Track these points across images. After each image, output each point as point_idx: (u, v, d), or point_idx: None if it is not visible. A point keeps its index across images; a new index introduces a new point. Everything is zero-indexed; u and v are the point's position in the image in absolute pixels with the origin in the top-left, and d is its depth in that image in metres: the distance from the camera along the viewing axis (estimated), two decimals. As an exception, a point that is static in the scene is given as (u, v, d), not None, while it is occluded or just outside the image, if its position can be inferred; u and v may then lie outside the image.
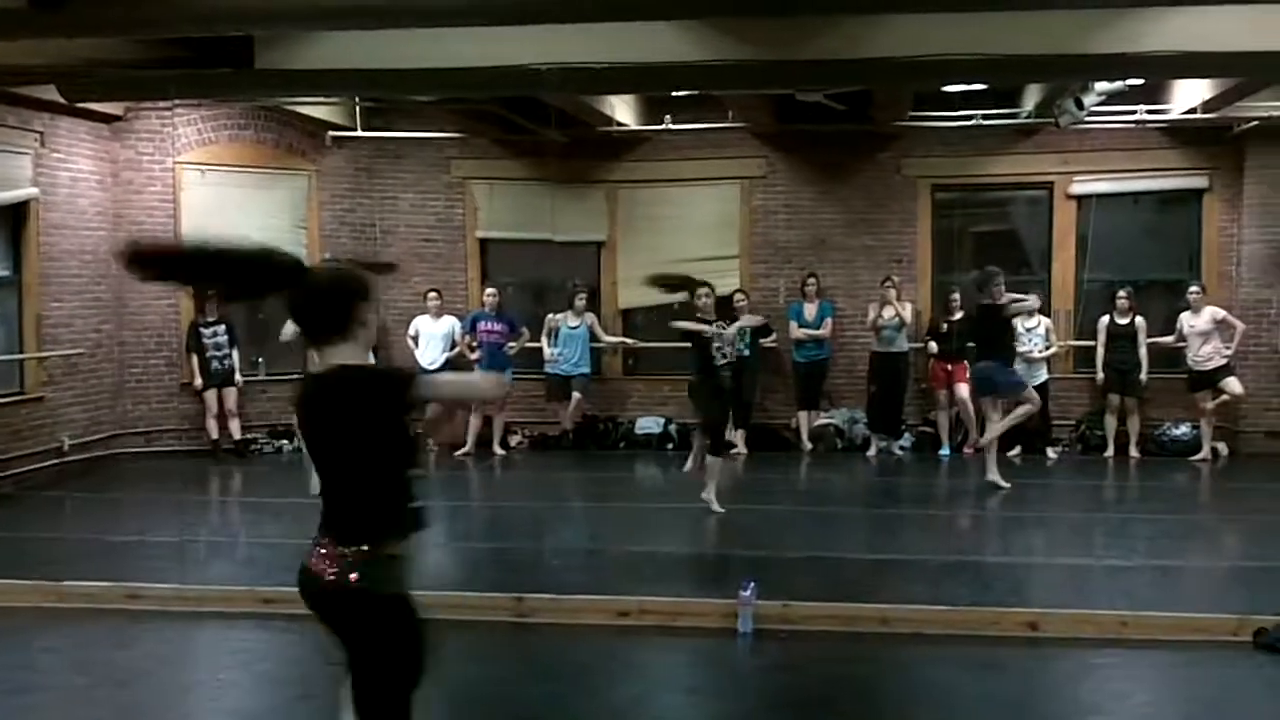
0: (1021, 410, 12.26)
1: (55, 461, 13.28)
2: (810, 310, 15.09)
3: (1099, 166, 15.11)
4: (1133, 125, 14.51)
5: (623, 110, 14.38)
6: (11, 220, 12.91)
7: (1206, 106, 12.96)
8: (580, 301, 15.19)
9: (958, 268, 15.58)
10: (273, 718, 6.42)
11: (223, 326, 14.35)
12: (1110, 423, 14.63)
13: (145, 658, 7.20)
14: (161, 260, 3.87)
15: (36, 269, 13.05)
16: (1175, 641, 7.19)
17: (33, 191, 12.89)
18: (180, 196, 14.53)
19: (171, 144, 14.38)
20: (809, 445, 15.14)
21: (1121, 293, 14.49)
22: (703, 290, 11.16)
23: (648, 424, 15.59)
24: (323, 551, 3.87)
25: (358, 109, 15.11)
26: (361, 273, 4.07)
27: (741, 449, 14.46)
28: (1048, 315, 14.57)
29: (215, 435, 14.44)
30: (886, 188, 15.57)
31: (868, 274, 15.39)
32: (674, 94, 13.85)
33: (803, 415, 15.26)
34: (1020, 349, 13.25)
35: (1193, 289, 14.28)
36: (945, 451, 14.82)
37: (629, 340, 15.91)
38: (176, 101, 13.15)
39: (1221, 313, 14.10)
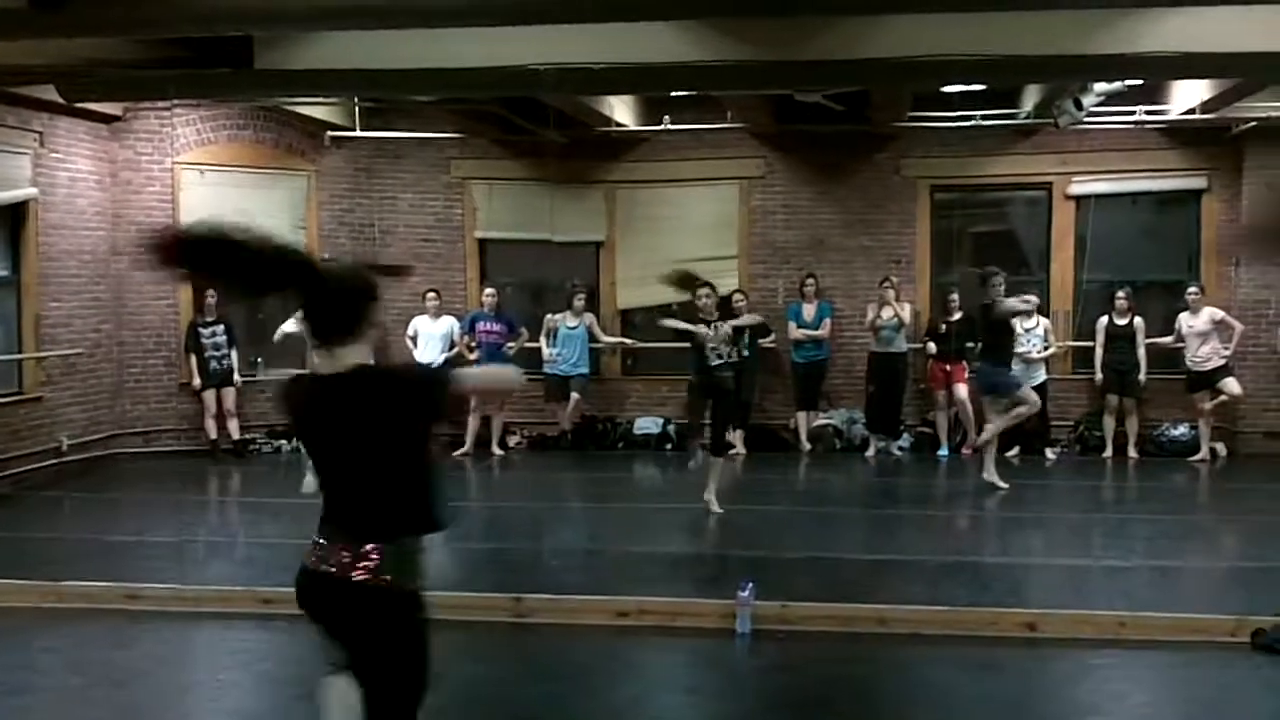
0: (1016, 411, 12.27)
1: (54, 461, 13.28)
2: (809, 311, 15.09)
3: (1098, 167, 15.11)
4: (1131, 126, 14.52)
5: (621, 111, 14.39)
6: (10, 220, 12.91)
7: (1205, 107, 12.97)
8: (579, 302, 15.20)
9: (956, 268, 15.59)
10: (272, 718, 6.42)
11: (221, 326, 14.36)
12: (1109, 423, 14.63)
13: (144, 658, 7.20)
14: (184, 248, 3.86)
15: (35, 269, 13.05)
16: (1173, 642, 7.19)
17: (31, 191, 12.89)
18: (179, 197, 14.53)
19: (170, 144, 14.39)
20: (808, 446, 15.15)
21: (1120, 293, 14.50)
22: (703, 290, 11.15)
23: (646, 424, 15.59)
24: (342, 551, 3.81)
25: (357, 109, 15.11)
26: (371, 272, 4.05)
27: (740, 449, 14.46)
28: (1046, 316, 14.57)
29: (214, 435, 14.44)
30: (885, 188, 15.58)
31: (866, 274, 15.40)
32: (673, 94, 13.87)
33: (801, 416, 15.26)
34: (1019, 349, 13.24)
35: (1191, 290, 14.29)
36: (944, 452, 14.82)
37: (627, 341, 15.92)
38: (175, 101, 13.15)
39: (1220, 313, 14.11)
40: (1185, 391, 14.33)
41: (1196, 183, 15.04)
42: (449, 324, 14.91)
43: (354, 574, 3.79)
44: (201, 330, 14.28)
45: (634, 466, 14.81)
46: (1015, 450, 14.14)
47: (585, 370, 15.24)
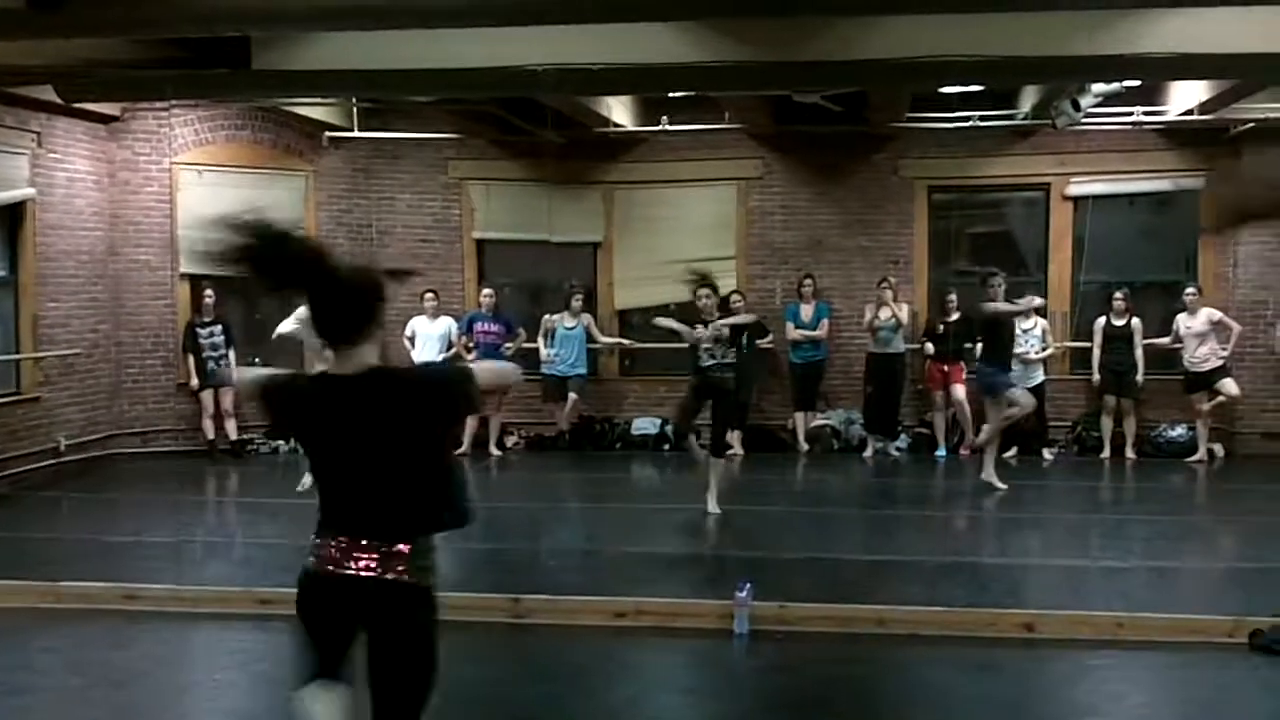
0: (1008, 412, 12.27)
1: (52, 462, 13.27)
2: (807, 311, 15.09)
3: (1096, 168, 15.11)
4: (1129, 127, 14.53)
5: (619, 111, 14.39)
6: (8, 220, 12.90)
7: (1203, 108, 12.98)
8: (577, 302, 15.20)
9: (954, 269, 15.61)
10: (269, 718, 6.41)
11: (219, 327, 14.36)
12: (1106, 424, 14.64)
13: (142, 658, 7.20)
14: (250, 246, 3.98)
15: (33, 269, 13.04)
16: (1171, 643, 7.19)
17: (29, 192, 12.88)
18: (177, 197, 14.52)
19: (168, 144, 14.38)
20: (805, 446, 15.15)
21: (1118, 294, 14.51)
22: (703, 291, 11.16)
23: (644, 425, 15.59)
24: (370, 552, 3.79)
25: (355, 109, 15.11)
26: (378, 272, 4.05)
27: (738, 450, 14.46)
28: (1044, 316, 14.56)
29: (211, 435, 14.44)
30: (883, 189, 15.58)
31: (864, 275, 15.40)
32: (671, 95, 13.86)
33: (799, 416, 15.27)
34: (1016, 350, 13.24)
35: (1189, 290, 14.30)
36: (941, 452, 14.82)
37: (625, 341, 15.93)
38: (173, 102, 13.15)
39: (1218, 314, 14.12)
40: (1183, 392, 14.34)
41: (1194, 184, 15.03)
42: (447, 324, 14.90)
43: (389, 574, 3.79)
44: (199, 330, 14.27)
45: (632, 467, 14.82)
46: (1013, 451, 14.15)
47: (583, 371, 15.24)
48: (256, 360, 14.27)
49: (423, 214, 16.11)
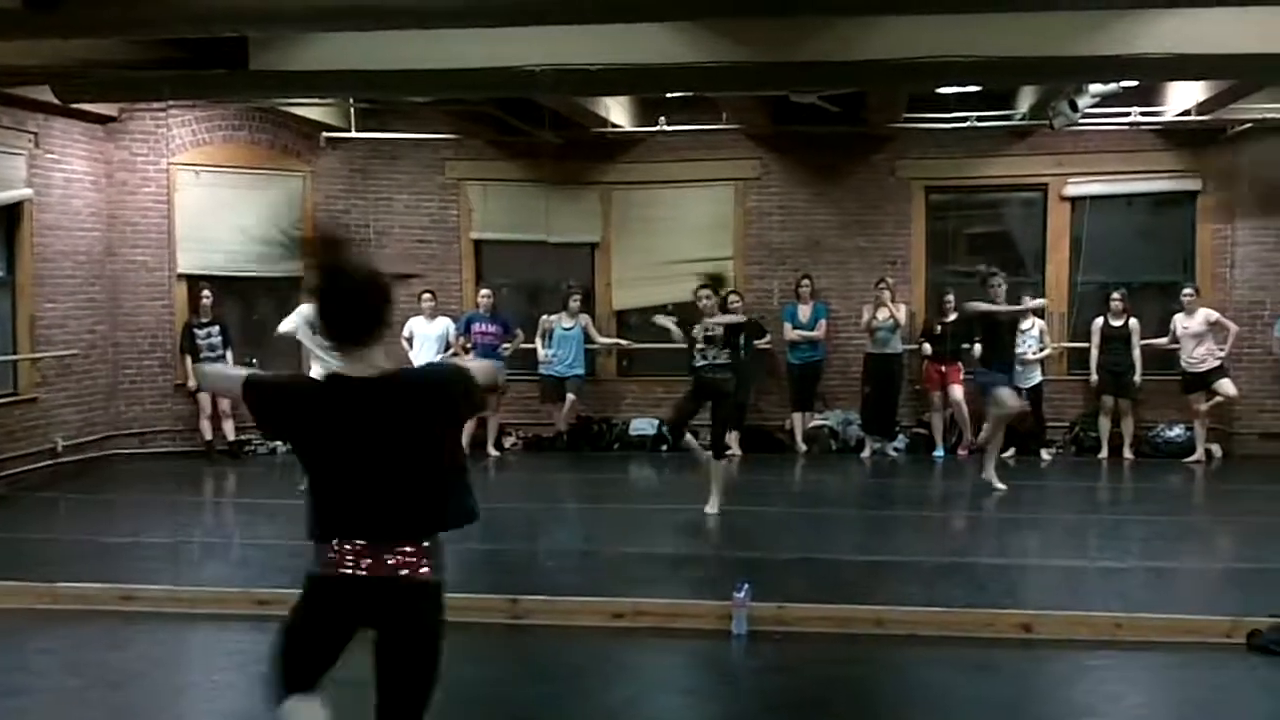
0: (994, 412, 12.30)
1: (49, 463, 13.26)
2: (804, 312, 15.09)
3: (1093, 168, 15.11)
4: (1127, 127, 14.53)
5: (617, 112, 14.39)
6: (5, 221, 12.89)
7: (1200, 109, 12.99)
8: (574, 303, 15.20)
9: (952, 270, 15.61)
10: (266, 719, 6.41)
11: (216, 327, 14.34)
12: (1104, 424, 14.64)
13: (139, 659, 7.19)
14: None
15: (30, 270, 13.03)
16: (1169, 643, 7.19)
17: (27, 192, 12.87)
18: (174, 197, 14.53)
19: (166, 145, 14.38)
20: (803, 447, 15.15)
21: (1115, 294, 14.51)
22: (703, 292, 11.17)
23: (642, 425, 15.59)
24: (393, 552, 3.81)
25: (352, 110, 15.10)
26: (385, 274, 4.05)
27: (736, 450, 14.46)
28: (1041, 317, 14.56)
29: (209, 436, 14.44)
30: (881, 189, 15.58)
31: (862, 276, 15.40)
32: (668, 95, 13.86)
33: (797, 417, 15.27)
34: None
35: (1186, 291, 14.31)
36: (939, 453, 14.82)
37: (623, 341, 15.93)
38: (171, 102, 13.13)
39: (1215, 314, 14.12)
40: (1180, 393, 14.35)
41: (1192, 184, 15.05)
42: (445, 325, 14.88)
43: (411, 572, 3.83)
44: (196, 331, 14.25)
45: (630, 467, 14.82)
46: (1011, 451, 14.15)
47: (581, 371, 15.24)
48: (254, 361, 14.27)
49: (420, 214, 16.10)
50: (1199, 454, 14.27)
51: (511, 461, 14.99)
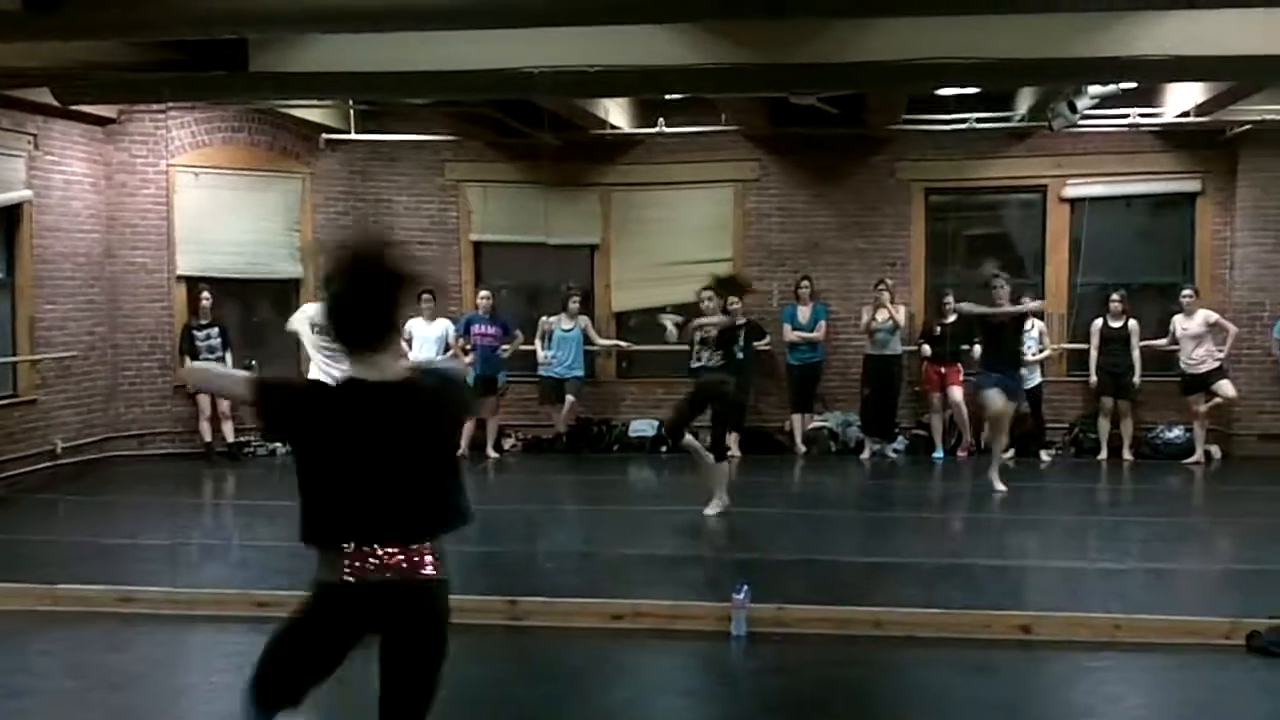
0: (987, 415, 12.36)
1: (48, 464, 13.25)
2: (804, 313, 15.10)
3: (1092, 170, 15.12)
4: (1126, 129, 14.53)
5: (616, 113, 14.38)
6: (5, 223, 12.88)
7: (1200, 110, 13.00)
8: (574, 304, 15.20)
9: (951, 271, 15.62)
10: (266, 721, 6.41)
11: (216, 329, 14.33)
12: (1103, 426, 14.64)
13: (139, 661, 7.19)
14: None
15: (30, 271, 13.02)
16: (1168, 644, 7.19)
17: (26, 194, 12.86)
18: (174, 199, 14.52)
19: (165, 147, 14.36)
20: (803, 448, 15.15)
21: (1115, 296, 14.52)
22: (705, 294, 11.17)
23: (641, 427, 15.58)
24: (407, 554, 3.83)
25: (352, 112, 15.10)
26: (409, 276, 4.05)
27: (735, 452, 14.44)
28: (1041, 318, 14.56)
29: (208, 438, 14.43)
30: (880, 191, 15.59)
31: (861, 277, 15.41)
32: (667, 97, 13.85)
33: (796, 418, 15.27)
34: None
35: (1186, 292, 14.31)
36: (939, 454, 14.81)
37: (623, 343, 15.93)
38: (170, 104, 13.14)
39: (1214, 316, 14.13)
40: (1180, 394, 14.35)
41: (1191, 186, 15.07)
42: (444, 326, 14.87)
43: (425, 572, 3.86)
44: (196, 333, 14.24)
45: (629, 469, 14.82)
46: (1010, 453, 14.13)
47: (580, 373, 15.24)
48: (253, 363, 14.27)
49: (420, 216, 16.09)
50: (1198, 455, 14.27)
51: (511, 463, 14.99)
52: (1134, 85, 12.56)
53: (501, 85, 11.11)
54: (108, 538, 10.54)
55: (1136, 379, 14.41)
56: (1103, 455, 14.56)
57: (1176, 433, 14.65)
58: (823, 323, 15.11)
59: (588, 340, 15.36)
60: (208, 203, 14.71)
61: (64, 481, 13.18)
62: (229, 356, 14.35)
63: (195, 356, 14.13)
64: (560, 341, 15.11)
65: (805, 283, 15.14)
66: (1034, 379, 14.24)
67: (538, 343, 15.18)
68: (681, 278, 14.56)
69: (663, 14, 8.99)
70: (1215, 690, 6.70)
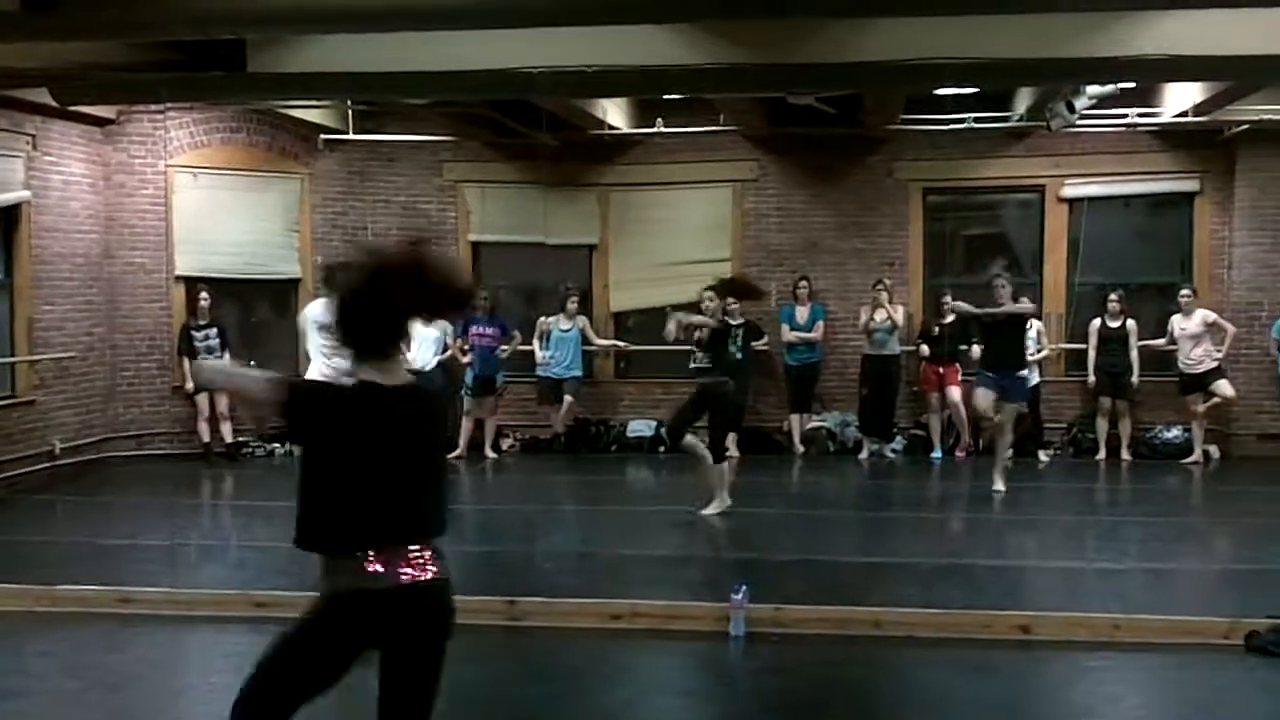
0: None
1: (46, 465, 13.25)
2: (802, 313, 15.10)
3: (1090, 170, 15.13)
4: (1124, 129, 14.54)
5: (614, 113, 14.38)
6: (3, 223, 12.88)
7: (1198, 110, 13.00)
8: (572, 304, 15.20)
9: (949, 271, 15.63)
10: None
11: (214, 329, 14.32)
12: (1102, 426, 14.64)
13: (137, 661, 7.19)
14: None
15: (28, 272, 13.02)
16: (1167, 644, 7.19)
17: (24, 194, 12.86)
18: (172, 200, 14.52)
19: (163, 147, 14.37)
20: (801, 448, 15.16)
21: (1113, 296, 14.52)
22: (707, 294, 11.18)
23: (639, 427, 15.59)
24: (419, 556, 3.85)
25: (350, 112, 15.10)
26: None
27: (734, 452, 14.43)
28: (1039, 318, 14.56)
29: (207, 439, 14.42)
30: (878, 191, 15.59)
31: (859, 277, 15.41)
32: (666, 97, 13.85)
33: (795, 418, 15.27)
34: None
35: (1184, 292, 14.32)
36: (937, 454, 14.81)
37: (621, 343, 15.93)
38: (168, 105, 13.13)
39: (1212, 315, 14.14)
40: (1178, 394, 14.36)
41: (1189, 185, 15.08)
42: (442, 327, 14.81)
43: (439, 574, 3.89)
44: (194, 333, 14.23)
45: (627, 469, 14.82)
46: (1009, 453, 14.11)
47: (578, 373, 15.24)
48: (251, 363, 14.25)
49: (418, 216, 16.07)
50: (1197, 455, 14.28)
51: (509, 463, 14.98)
52: (1132, 85, 12.56)
53: (501, 85, 11.11)
54: (106, 538, 10.53)
55: (1135, 379, 14.42)
56: (1101, 455, 14.56)
57: (1175, 433, 14.66)
58: (821, 323, 15.11)
59: (586, 340, 15.36)
60: (206, 203, 14.71)
61: (62, 482, 13.17)
62: (227, 357, 14.33)
63: (194, 357, 14.11)
64: (558, 342, 15.11)
65: (803, 283, 15.14)
66: (1032, 379, 14.22)
67: (536, 343, 15.18)
68: (680, 278, 14.59)
69: (663, 14, 8.98)
70: (1214, 690, 6.71)
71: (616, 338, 15.97)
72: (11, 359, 12.97)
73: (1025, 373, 12.90)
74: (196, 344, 14.19)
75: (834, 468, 14.58)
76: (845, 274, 15.58)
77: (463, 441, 14.62)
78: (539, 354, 15.14)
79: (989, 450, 13.12)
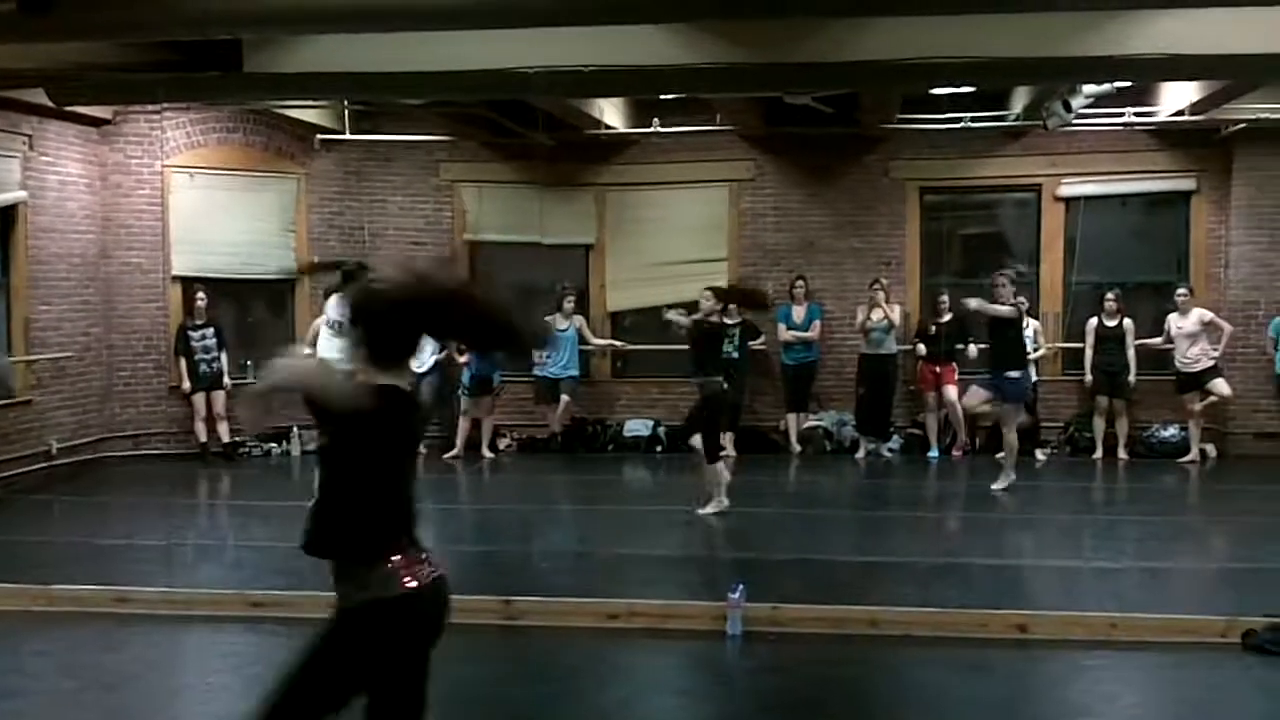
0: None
1: (43, 465, 13.24)
2: (799, 313, 15.10)
3: (1087, 169, 15.13)
4: (1120, 127, 14.55)
5: (611, 113, 14.38)
6: (0, 224, 12.87)
7: (1194, 109, 13.00)
8: (568, 304, 15.19)
9: (946, 270, 15.64)
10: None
11: (211, 329, 14.33)
12: (1098, 425, 14.65)
13: (134, 661, 7.19)
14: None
15: (25, 272, 13.01)
16: (1164, 643, 7.20)
17: (21, 195, 12.85)
18: (169, 200, 14.51)
19: (160, 147, 14.36)
20: (798, 447, 15.16)
21: (1109, 295, 14.53)
22: (706, 294, 11.18)
23: (636, 426, 15.58)
24: (426, 556, 3.87)
25: (346, 112, 15.09)
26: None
27: (730, 451, 14.44)
28: (1036, 317, 14.58)
29: (203, 438, 14.41)
30: (875, 190, 15.59)
31: (856, 276, 15.41)
32: (662, 97, 13.85)
33: (791, 417, 15.27)
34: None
35: (1181, 291, 14.32)
36: (934, 454, 14.82)
37: (617, 343, 15.93)
38: (165, 105, 13.14)
39: (1209, 314, 14.14)
40: (1175, 393, 14.36)
41: (1186, 184, 15.08)
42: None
43: (440, 568, 3.90)
44: (191, 333, 14.24)
45: (624, 469, 14.81)
46: (1001, 454, 14.12)
47: (575, 372, 15.23)
48: (248, 363, 14.26)
49: (414, 216, 16.08)
50: (1193, 454, 14.29)
51: (506, 463, 14.98)
52: (1128, 84, 12.56)
53: (498, 85, 11.09)
54: (103, 538, 10.52)
55: (1132, 378, 14.42)
56: (1098, 454, 14.57)
57: (1171, 431, 14.67)
58: (817, 322, 15.11)
59: (582, 340, 15.36)
60: (203, 203, 14.70)
61: (59, 482, 13.17)
62: (224, 357, 14.35)
63: (190, 357, 14.16)
64: (555, 341, 15.09)
65: (800, 282, 15.14)
66: (1029, 378, 14.22)
67: (533, 343, 15.15)
68: (676, 277, 14.60)
69: (661, 14, 8.98)
70: (1211, 688, 6.71)
71: (613, 337, 15.96)
72: (8, 359, 12.95)
73: (1017, 374, 12.47)
74: (193, 344, 14.21)
75: (831, 467, 14.58)
76: (842, 273, 15.58)
77: (460, 441, 14.63)
78: (536, 354, 15.12)
79: (986, 450, 13.10)
